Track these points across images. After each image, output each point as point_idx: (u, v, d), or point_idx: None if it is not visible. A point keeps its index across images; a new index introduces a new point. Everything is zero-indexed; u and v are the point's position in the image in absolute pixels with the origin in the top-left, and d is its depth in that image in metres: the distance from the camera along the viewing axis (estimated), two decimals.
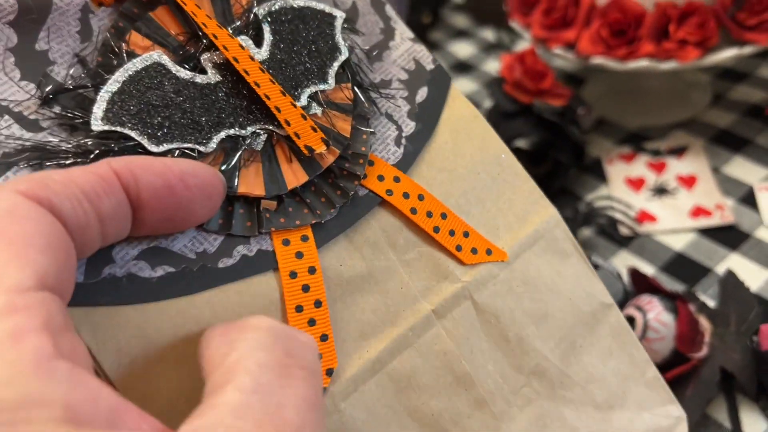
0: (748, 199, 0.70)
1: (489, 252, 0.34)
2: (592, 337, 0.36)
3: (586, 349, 0.35)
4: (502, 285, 0.34)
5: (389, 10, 0.37)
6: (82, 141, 0.27)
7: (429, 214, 0.33)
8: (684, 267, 0.65)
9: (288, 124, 0.29)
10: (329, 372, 0.29)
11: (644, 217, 0.70)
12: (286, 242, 0.30)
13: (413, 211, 0.32)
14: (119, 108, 0.27)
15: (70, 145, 0.27)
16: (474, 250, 0.34)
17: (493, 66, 1.00)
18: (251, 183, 0.29)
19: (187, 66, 0.29)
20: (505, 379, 0.33)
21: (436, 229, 0.33)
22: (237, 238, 0.29)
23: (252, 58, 0.30)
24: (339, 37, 0.33)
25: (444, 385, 0.31)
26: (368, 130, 0.33)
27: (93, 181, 0.22)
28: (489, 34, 1.06)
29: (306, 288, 0.29)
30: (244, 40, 0.31)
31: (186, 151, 0.28)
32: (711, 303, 0.60)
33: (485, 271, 0.34)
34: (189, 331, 0.27)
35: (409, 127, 0.35)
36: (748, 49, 0.70)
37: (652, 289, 0.57)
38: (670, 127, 0.80)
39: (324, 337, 0.29)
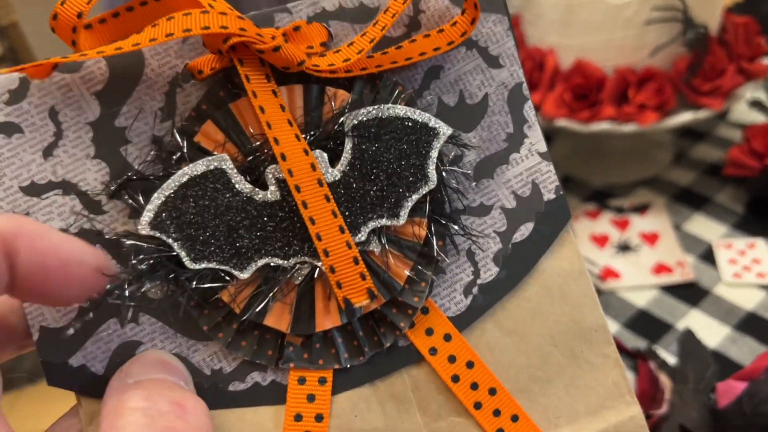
0: (708, 256, 0.71)
1: None
2: None
3: None
4: None
5: (528, 110, 0.29)
6: (135, 242, 0.26)
7: (474, 386, 0.28)
8: (647, 323, 0.65)
9: (332, 271, 0.26)
10: None
11: (608, 273, 0.71)
12: (302, 380, 0.27)
13: (455, 378, 0.28)
14: (168, 215, 0.25)
15: (129, 243, 0.26)
16: None
17: None
18: (278, 317, 0.27)
19: (249, 177, 0.26)
20: None
21: (478, 405, 0.28)
22: (255, 364, 0.27)
23: (320, 183, 0.26)
24: (431, 162, 0.27)
25: None
26: (429, 275, 0.28)
27: None
28: None
29: None
30: (320, 157, 0.27)
31: (221, 272, 0.26)
32: (672, 360, 0.61)
33: None
34: None
35: (490, 273, 0.29)
36: (703, 113, 0.72)
37: None
38: (634, 185, 0.82)
39: None
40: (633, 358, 0.56)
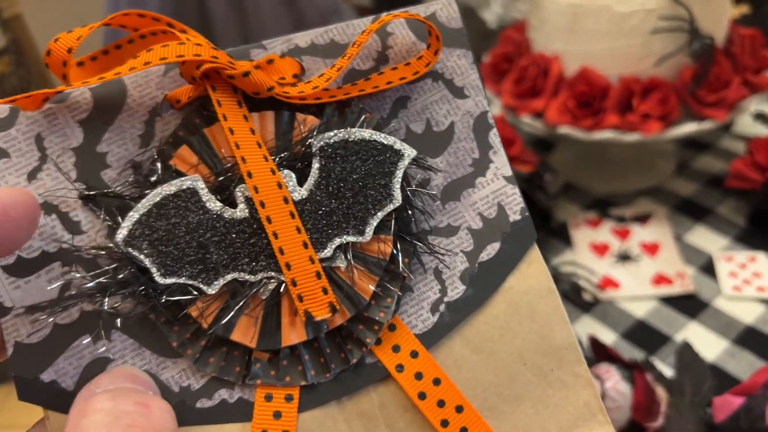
0: (708, 268, 0.70)
1: None
2: None
3: None
4: None
5: (494, 137, 0.31)
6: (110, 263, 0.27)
7: (440, 404, 0.28)
8: (644, 334, 0.65)
9: (294, 284, 0.26)
10: None
11: (607, 283, 0.71)
12: (269, 397, 0.27)
13: (421, 396, 0.28)
14: (141, 232, 0.26)
15: (103, 252, 0.27)
16: None
17: None
18: (245, 332, 0.27)
19: (219, 197, 0.27)
20: None
21: (444, 423, 0.28)
22: (222, 381, 0.27)
23: (286, 200, 0.27)
24: (396, 181, 0.28)
25: None
26: (395, 292, 0.28)
27: None
28: None
29: None
30: (288, 176, 0.27)
31: (189, 287, 0.26)
32: (670, 372, 0.60)
33: None
34: None
35: (457, 291, 0.29)
36: (707, 124, 0.71)
37: (611, 358, 0.58)
38: (635, 194, 0.81)
39: None
40: (630, 369, 0.56)
